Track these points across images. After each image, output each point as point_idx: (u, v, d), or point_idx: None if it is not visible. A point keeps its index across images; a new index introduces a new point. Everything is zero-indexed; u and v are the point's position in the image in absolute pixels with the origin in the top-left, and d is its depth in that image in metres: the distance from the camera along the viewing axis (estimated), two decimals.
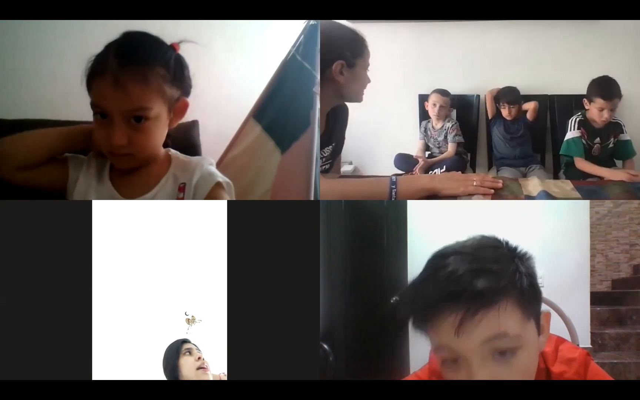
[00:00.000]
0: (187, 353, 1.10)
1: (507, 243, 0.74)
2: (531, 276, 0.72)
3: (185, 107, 1.20)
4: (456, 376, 0.70)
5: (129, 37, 1.13)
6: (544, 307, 0.76)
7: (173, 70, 1.14)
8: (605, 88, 2.30)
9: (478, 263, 0.69)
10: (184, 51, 1.22)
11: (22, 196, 1.22)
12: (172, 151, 1.26)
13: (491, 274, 0.68)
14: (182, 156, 1.26)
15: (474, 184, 1.39)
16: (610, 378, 0.84)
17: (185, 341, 1.12)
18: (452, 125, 2.77)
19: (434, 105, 2.77)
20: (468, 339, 0.67)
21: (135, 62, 1.08)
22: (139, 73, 1.08)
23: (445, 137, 2.78)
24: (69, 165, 1.21)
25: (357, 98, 1.59)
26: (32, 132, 1.21)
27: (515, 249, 0.74)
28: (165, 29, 1.57)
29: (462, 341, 0.67)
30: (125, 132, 1.10)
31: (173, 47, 1.17)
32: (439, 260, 0.73)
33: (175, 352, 1.11)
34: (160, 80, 1.11)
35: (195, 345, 1.12)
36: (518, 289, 0.69)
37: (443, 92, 2.77)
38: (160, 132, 1.17)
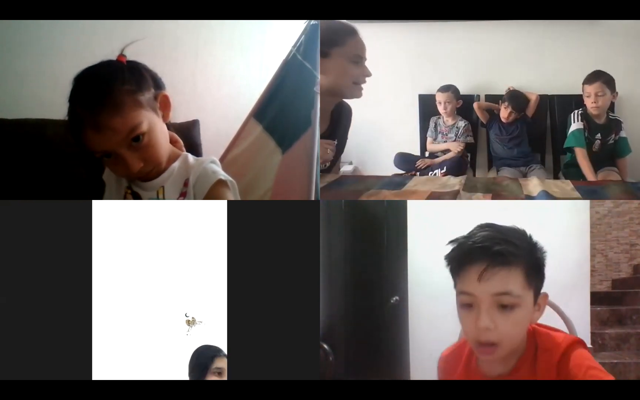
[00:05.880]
0: (217, 374, 1.12)
1: (530, 235, 0.95)
2: (540, 261, 0.94)
3: (166, 99, 1.20)
4: (468, 318, 0.91)
5: (81, 82, 1.12)
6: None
7: (132, 79, 1.13)
8: (588, 76, 2.37)
9: (505, 236, 0.92)
10: (182, 53, 1.22)
11: (22, 196, 1.22)
12: (184, 153, 1.27)
13: (512, 245, 0.91)
14: (191, 157, 1.26)
15: None
16: (596, 363, 0.90)
17: (218, 355, 1.13)
18: (465, 126, 2.78)
19: (440, 103, 2.78)
20: (485, 287, 0.89)
21: (101, 100, 1.08)
22: (109, 106, 1.08)
23: (456, 135, 2.78)
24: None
25: (337, 91, 1.59)
26: None
27: (536, 242, 0.95)
28: (166, 29, 1.58)
29: (480, 287, 0.89)
30: (135, 155, 1.12)
31: (120, 61, 1.17)
32: (481, 228, 0.95)
33: (204, 366, 1.12)
34: (129, 96, 1.11)
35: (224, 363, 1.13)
36: (527, 262, 0.91)
37: (444, 89, 2.77)
38: (160, 134, 1.17)
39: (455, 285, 0.94)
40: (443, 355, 1.07)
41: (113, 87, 1.09)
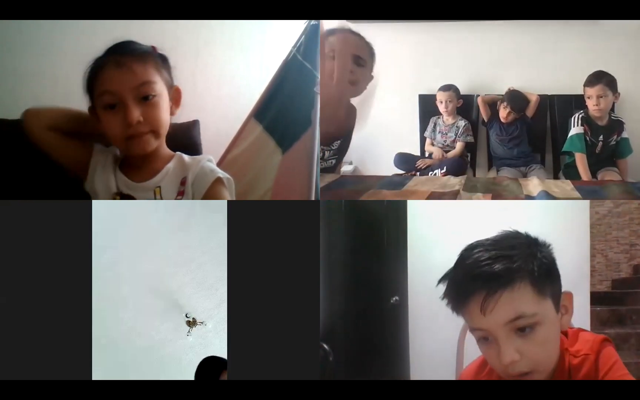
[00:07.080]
0: None
1: (527, 234, 0.82)
2: (545, 261, 0.79)
3: (179, 95, 1.27)
4: (489, 353, 0.79)
5: (116, 44, 1.20)
6: (565, 288, 0.83)
7: (161, 58, 1.23)
8: (589, 77, 2.36)
9: (497, 250, 0.78)
10: (182, 53, 1.23)
11: (22, 196, 1.22)
12: (178, 153, 1.29)
13: (506, 258, 0.77)
14: (185, 156, 1.27)
15: None
16: (621, 364, 0.85)
17: (225, 368, 1.14)
18: (465, 125, 2.79)
19: (441, 102, 2.78)
20: (493, 318, 0.76)
21: (131, 51, 1.18)
22: (137, 54, 1.18)
23: (456, 134, 2.79)
24: (94, 152, 1.27)
25: None
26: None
27: (535, 239, 0.82)
28: (166, 29, 1.57)
29: (488, 320, 0.76)
30: (138, 109, 1.16)
31: (153, 47, 1.25)
32: (466, 252, 0.81)
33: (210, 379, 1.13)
34: (155, 63, 1.21)
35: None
36: (530, 270, 0.77)
37: (445, 88, 2.78)
38: (165, 110, 1.21)
39: (466, 322, 0.82)
40: (466, 376, 0.96)
41: (143, 51, 1.20)
